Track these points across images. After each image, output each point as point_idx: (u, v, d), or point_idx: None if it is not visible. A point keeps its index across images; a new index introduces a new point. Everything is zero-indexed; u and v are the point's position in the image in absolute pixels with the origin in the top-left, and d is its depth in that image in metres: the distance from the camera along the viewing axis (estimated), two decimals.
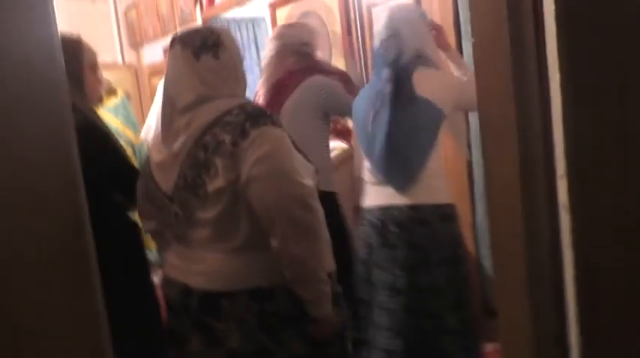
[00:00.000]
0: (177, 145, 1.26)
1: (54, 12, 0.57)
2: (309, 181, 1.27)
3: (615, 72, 0.90)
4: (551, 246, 1.04)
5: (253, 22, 4.60)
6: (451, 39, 2.20)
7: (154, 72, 4.47)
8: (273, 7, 3.16)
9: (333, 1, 2.76)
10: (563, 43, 0.90)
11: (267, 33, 4.37)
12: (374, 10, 2.59)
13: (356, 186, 2.00)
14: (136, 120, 3.71)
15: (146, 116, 3.35)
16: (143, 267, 1.65)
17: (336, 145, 2.53)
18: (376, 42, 1.86)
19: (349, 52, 2.73)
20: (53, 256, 0.55)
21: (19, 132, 0.55)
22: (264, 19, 4.33)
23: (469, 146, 2.15)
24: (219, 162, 1.21)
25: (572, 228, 0.94)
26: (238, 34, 4.49)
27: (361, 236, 1.93)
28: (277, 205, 1.20)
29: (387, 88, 1.78)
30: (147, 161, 1.41)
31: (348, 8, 2.70)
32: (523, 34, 0.99)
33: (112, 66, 4.53)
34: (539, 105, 0.99)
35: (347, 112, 2.08)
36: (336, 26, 2.77)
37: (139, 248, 1.65)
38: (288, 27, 2.25)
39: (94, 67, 1.67)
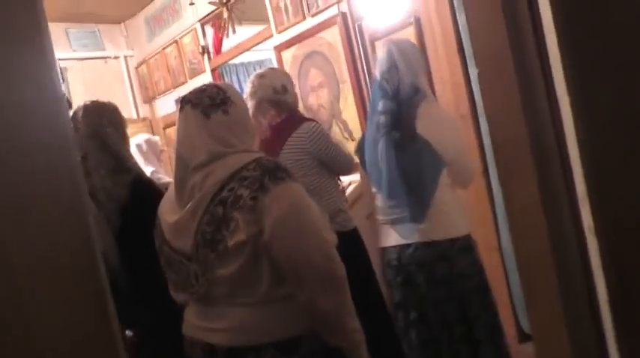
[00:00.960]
0: (193, 203, 1.26)
1: (57, 75, 0.59)
2: (330, 234, 1.28)
3: (628, 84, 0.89)
4: (582, 270, 1.02)
5: (260, 65, 4.70)
6: (456, 65, 2.22)
7: (168, 123, 4.57)
8: (279, 50, 3.22)
9: (336, 38, 2.81)
10: (568, 63, 0.90)
11: None
12: (377, 44, 2.63)
13: (371, 226, 2.00)
14: None
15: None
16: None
17: (352, 178, 2.52)
18: (377, 74, 1.90)
19: (356, 86, 2.76)
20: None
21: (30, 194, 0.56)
22: (270, 60, 4.42)
23: (487, 170, 2.14)
24: (239, 216, 1.20)
25: (601, 251, 0.92)
26: (246, 78, 4.59)
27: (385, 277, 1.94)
28: (305, 263, 1.22)
29: (384, 119, 1.82)
30: (158, 224, 1.41)
31: (352, 43, 2.75)
32: (527, 60, 0.99)
33: (128, 120, 4.64)
34: (552, 128, 0.98)
35: (338, 152, 2.10)
36: (341, 62, 2.81)
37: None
38: (259, 77, 2.16)
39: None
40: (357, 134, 2.80)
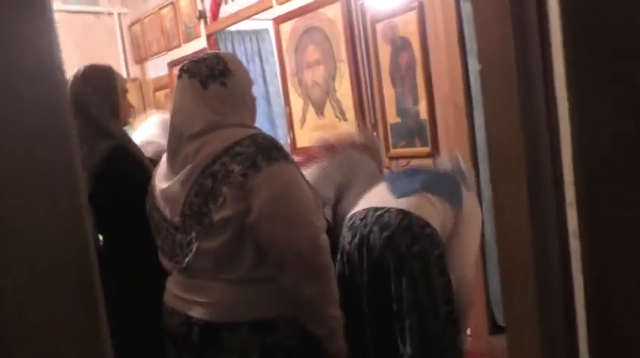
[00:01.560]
0: (184, 173, 1.24)
1: (55, 32, 0.57)
2: (319, 220, 1.26)
3: (627, 95, 0.90)
4: (562, 272, 1.04)
5: (257, 35, 4.63)
6: (455, 55, 2.21)
7: (159, 86, 4.50)
8: (277, 22, 3.17)
9: (337, 16, 2.77)
10: (570, 68, 0.91)
11: (271, 45, 4.41)
12: (378, 25, 2.61)
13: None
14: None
15: None
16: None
17: None
18: None
19: (353, 66, 2.74)
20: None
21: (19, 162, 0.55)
22: (267, 30, 4.36)
23: (476, 163, 2.16)
24: (227, 191, 1.18)
25: (583, 255, 0.94)
26: (242, 47, 4.53)
27: None
28: (290, 247, 1.20)
29: None
30: (150, 190, 1.39)
31: (352, 23, 2.72)
32: (530, 60, 0.99)
33: None
34: (547, 132, 0.99)
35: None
36: (340, 41, 2.78)
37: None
38: None
39: (124, 92, 1.74)
40: (350, 114, 2.79)
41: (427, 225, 1.60)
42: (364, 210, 1.68)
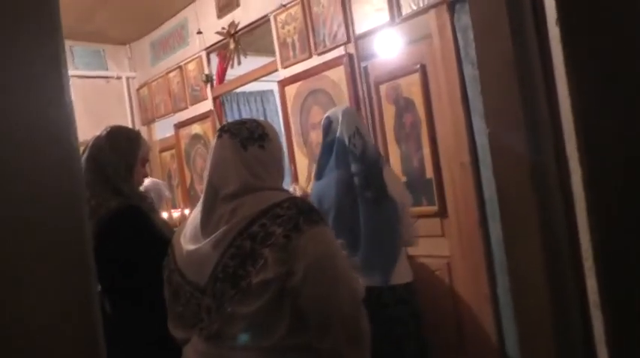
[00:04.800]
0: (218, 235, 1.21)
1: (69, 91, 0.57)
2: (358, 284, 1.26)
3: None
4: (583, 345, 0.99)
5: (262, 96, 4.74)
6: (459, 114, 2.24)
7: (165, 146, 4.56)
8: (283, 85, 3.24)
9: (342, 78, 2.83)
10: (579, 120, 0.90)
11: (275, 106, 4.50)
12: (381, 87, 2.65)
13: None
14: None
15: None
16: None
17: None
18: (344, 137, 2.08)
19: None
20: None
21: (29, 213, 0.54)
22: (272, 91, 4.45)
23: (484, 220, 2.13)
24: (268, 253, 1.15)
25: (606, 329, 0.90)
26: (247, 107, 4.62)
27: None
28: (335, 310, 1.18)
29: (359, 181, 2.03)
30: (171, 253, 1.36)
31: (356, 84, 2.77)
32: (538, 121, 0.99)
33: None
34: (559, 188, 0.97)
35: None
36: (344, 102, 2.82)
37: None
38: None
39: (144, 160, 1.79)
40: None
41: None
42: None
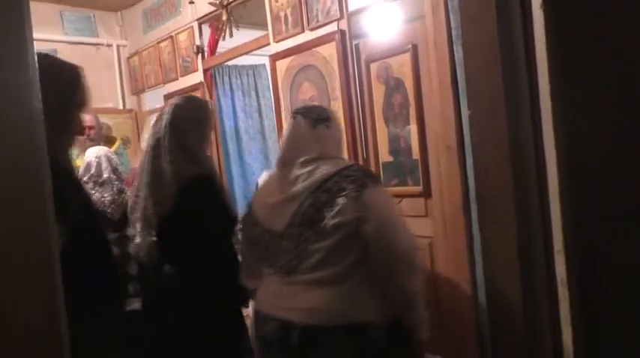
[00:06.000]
0: (297, 188, 1.54)
1: (33, 54, 0.56)
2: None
3: (615, 147, 0.90)
4: (549, 321, 1.02)
5: (254, 70, 4.69)
6: (448, 98, 2.24)
7: None
8: (274, 59, 3.21)
9: (333, 55, 2.81)
10: (558, 116, 0.91)
11: (268, 81, 4.46)
12: (372, 65, 2.64)
13: None
14: (130, 165, 3.74)
15: None
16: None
17: None
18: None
19: (347, 104, 2.77)
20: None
21: None
22: (264, 66, 4.41)
23: (467, 205, 2.15)
24: (342, 201, 1.47)
25: (571, 303, 0.92)
26: (238, 81, 4.58)
27: None
28: (402, 250, 1.47)
29: None
30: (250, 211, 1.68)
31: (347, 62, 2.75)
32: (519, 105, 1.00)
33: (113, 110, 4.59)
34: (536, 182, 0.99)
35: None
36: (334, 79, 2.81)
37: None
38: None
39: (212, 129, 1.96)
40: (343, 151, 2.79)
41: None
42: None
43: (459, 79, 2.19)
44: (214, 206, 1.80)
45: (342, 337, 1.44)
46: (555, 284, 1.00)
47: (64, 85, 1.43)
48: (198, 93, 3.91)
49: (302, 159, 1.58)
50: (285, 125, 1.72)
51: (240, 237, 1.74)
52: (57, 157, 1.56)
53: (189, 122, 1.85)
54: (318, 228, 1.47)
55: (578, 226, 0.95)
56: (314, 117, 1.64)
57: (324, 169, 1.54)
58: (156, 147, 1.83)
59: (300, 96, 3.05)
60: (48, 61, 1.47)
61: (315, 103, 1.83)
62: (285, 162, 1.63)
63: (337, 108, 2.81)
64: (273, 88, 3.28)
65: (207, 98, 3.81)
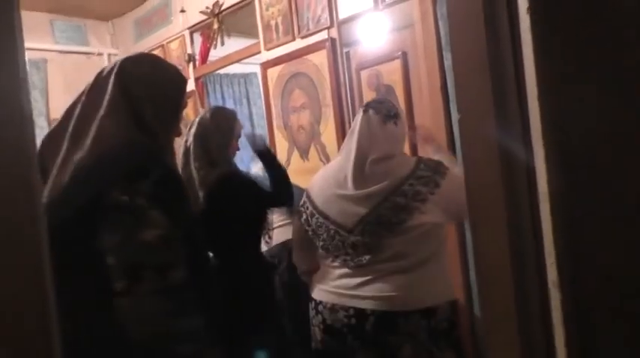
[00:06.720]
0: (374, 189, 1.62)
1: (23, 56, 0.56)
2: None
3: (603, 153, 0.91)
4: (542, 322, 1.02)
5: (245, 78, 4.70)
6: (438, 103, 2.26)
7: None
8: (265, 67, 3.23)
9: (323, 62, 2.82)
10: (546, 117, 0.92)
11: (259, 89, 4.47)
12: (362, 73, 2.66)
13: None
14: None
15: None
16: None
17: None
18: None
19: (338, 111, 2.78)
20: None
21: None
22: (255, 74, 4.42)
23: None
24: (420, 206, 1.57)
25: (563, 305, 0.93)
26: (230, 89, 4.58)
27: None
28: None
29: None
30: (308, 200, 1.76)
31: (338, 69, 2.77)
32: (507, 109, 1.00)
33: None
34: (526, 183, 0.99)
35: None
36: (325, 86, 2.82)
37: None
38: None
39: (238, 136, 2.11)
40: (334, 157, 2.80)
41: None
42: None
43: (448, 86, 2.21)
44: (244, 198, 1.98)
45: (416, 320, 1.57)
46: (546, 286, 1.01)
47: (182, 89, 1.49)
48: (190, 102, 3.90)
49: (374, 157, 1.65)
50: (357, 117, 1.76)
51: (295, 219, 1.86)
52: (172, 163, 1.57)
53: (214, 133, 1.99)
54: (397, 230, 1.57)
55: (569, 226, 0.96)
56: (384, 112, 1.69)
57: (398, 170, 1.63)
58: (186, 153, 2.00)
59: (291, 104, 3.06)
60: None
61: (386, 99, 1.85)
62: (359, 156, 1.67)
63: (328, 115, 2.82)
64: (264, 96, 3.29)
65: (199, 106, 3.81)
